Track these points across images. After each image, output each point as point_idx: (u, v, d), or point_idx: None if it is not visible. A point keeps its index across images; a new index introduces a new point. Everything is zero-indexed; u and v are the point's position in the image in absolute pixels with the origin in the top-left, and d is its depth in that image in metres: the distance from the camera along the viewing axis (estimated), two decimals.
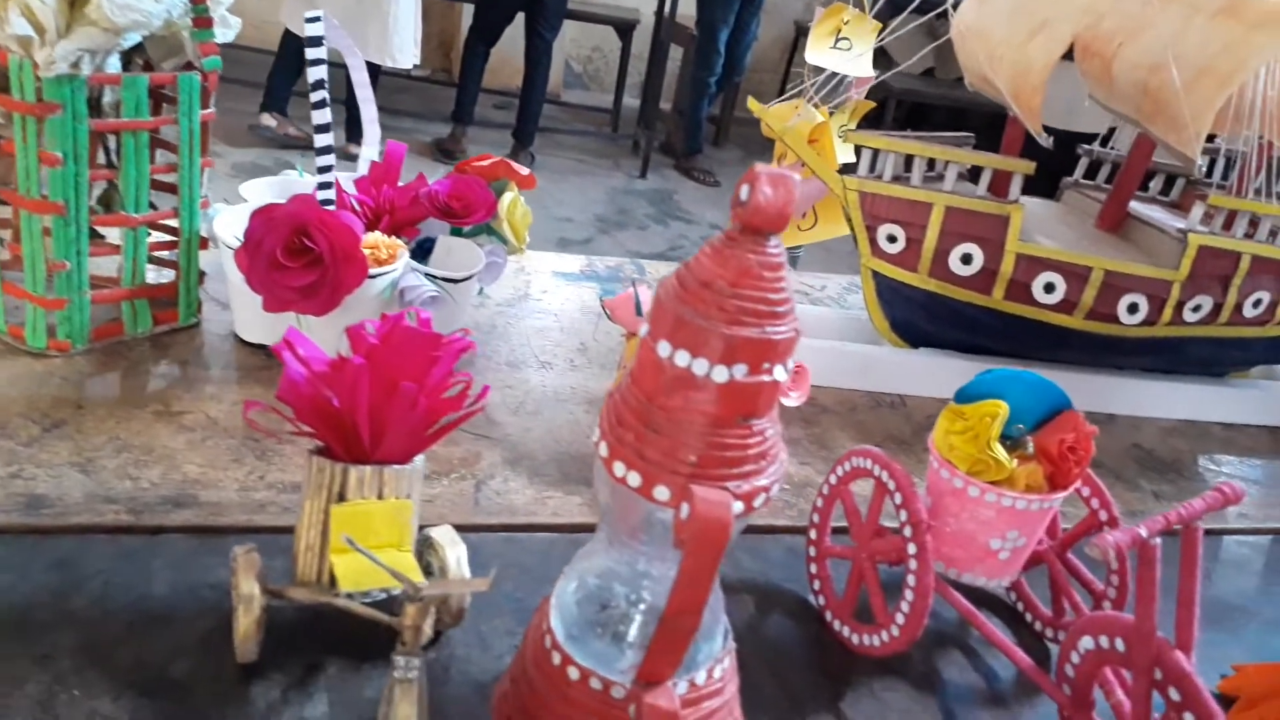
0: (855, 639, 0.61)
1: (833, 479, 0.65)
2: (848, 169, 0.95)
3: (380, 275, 0.75)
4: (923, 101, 4.68)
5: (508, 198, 0.83)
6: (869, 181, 0.89)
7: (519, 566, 0.64)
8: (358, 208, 0.82)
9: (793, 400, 0.72)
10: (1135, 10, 0.87)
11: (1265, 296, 0.91)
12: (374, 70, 3.52)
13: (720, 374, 0.40)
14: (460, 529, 0.66)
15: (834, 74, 1.22)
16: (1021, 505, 0.56)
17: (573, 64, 5.51)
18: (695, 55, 4.32)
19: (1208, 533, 0.83)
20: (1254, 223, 0.91)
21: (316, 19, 0.75)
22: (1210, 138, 0.93)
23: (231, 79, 4.11)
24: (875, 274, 0.93)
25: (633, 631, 0.46)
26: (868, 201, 0.89)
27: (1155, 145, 0.92)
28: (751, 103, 0.89)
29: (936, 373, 0.92)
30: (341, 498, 0.51)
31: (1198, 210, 0.88)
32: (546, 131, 4.65)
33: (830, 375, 0.94)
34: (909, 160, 0.89)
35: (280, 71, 3.42)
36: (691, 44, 4.40)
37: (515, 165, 0.86)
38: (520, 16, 4.00)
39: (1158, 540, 0.45)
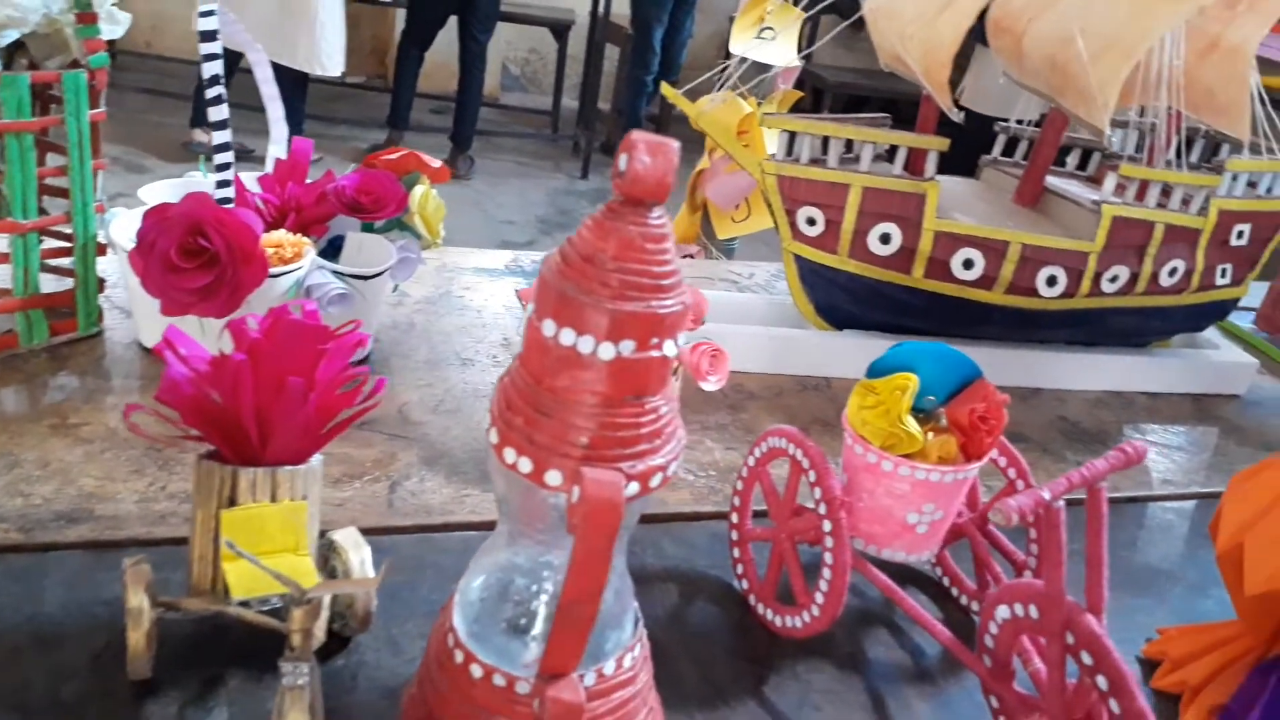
0: (778, 621, 0.60)
1: (751, 461, 0.64)
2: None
3: (284, 274, 0.73)
4: (857, 94, 4.73)
5: (419, 191, 0.81)
6: (786, 165, 0.89)
7: (435, 567, 0.62)
8: (262, 206, 0.79)
9: (712, 384, 0.71)
10: None
11: (1180, 265, 0.92)
12: (303, 78, 3.47)
13: (607, 351, 0.38)
14: (373, 532, 0.64)
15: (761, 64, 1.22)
16: (935, 477, 0.56)
17: (510, 66, 5.48)
18: (631, 54, 4.32)
19: (1132, 500, 0.84)
20: (1166, 192, 0.92)
21: (210, 12, 0.73)
22: (1140, 112, 0.94)
23: (165, 93, 4.05)
24: (797, 258, 0.92)
25: (536, 624, 0.45)
26: (786, 185, 0.89)
27: (1068, 120, 0.93)
28: (666, 89, 0.88)
29: (861, 354, 0.91)
30: (233, 502, 0.49)
31: (1110, 181, 0.89)
32: (485, 134, 4.61)
33: (756, 360, 0.93)
34: (826, 142, 0.89)
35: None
36: (627, 43, 4.40)
37: (426, 158, 0.84)
38: (453, 20, 3.97)
39: (1061, 503, 0.44)
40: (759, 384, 0.92)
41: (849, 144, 0.90)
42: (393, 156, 0.83)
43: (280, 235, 0.76)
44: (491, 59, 5.23)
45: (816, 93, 4.76)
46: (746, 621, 0.62)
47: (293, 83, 3.47)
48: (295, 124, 3.77)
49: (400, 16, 4.48)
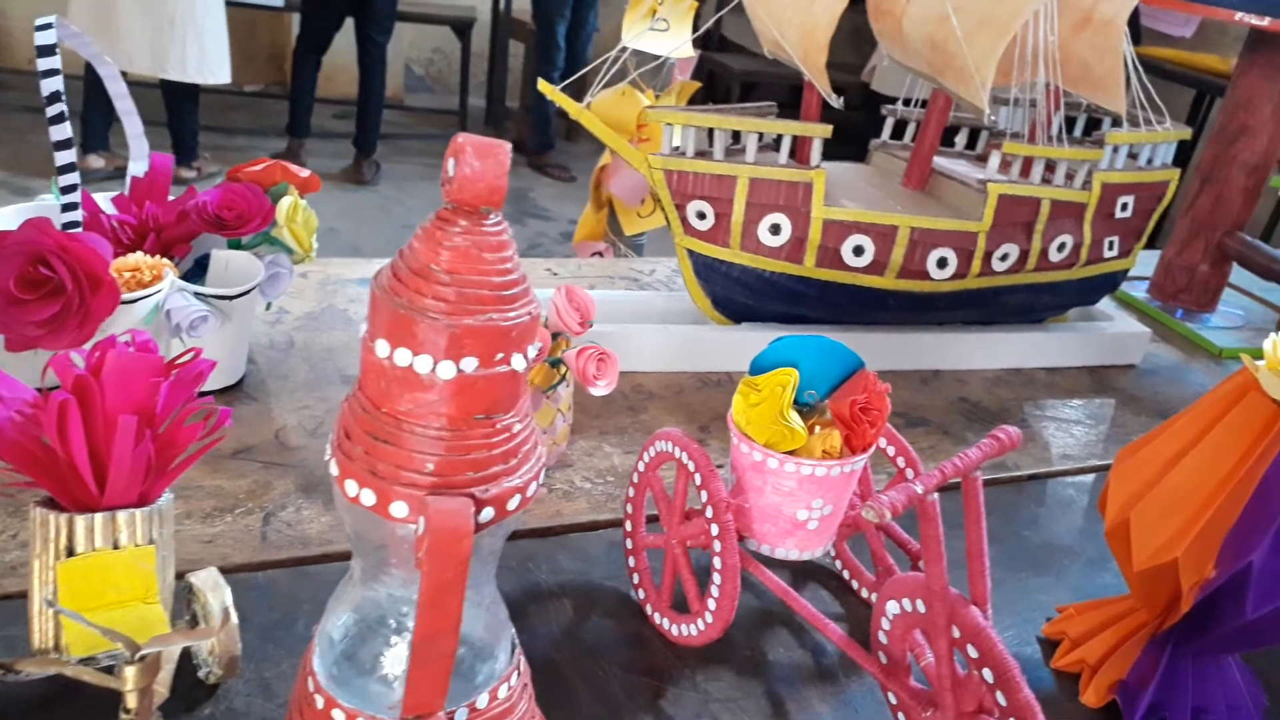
0: (675, 630, 0.58)
1: (640, 466, 0.62)
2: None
3: (141, 299, 0.68)
4: (760, 81, 4.75)
5: (286, 203, 0.77)
6: (673, 159, 0.87)
7: (312, 601, 0.58)
8: (116, 228, 0.75)
9: (601, 389, 0.69)
10: None
11: (1069, 240, 0.93)
12: (194, 90, 3.36)
13: (446, 370, 0.36)
14: (245, 568, 0.60)
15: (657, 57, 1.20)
16: (821, 472, 0.54)
17: (414, 67, 5.39)
18: (536, 50, 4.27)
19: (1032, 477, 0.84)
20: (1051, 168, 0.92)
21: (47, 26, 0.68)
22: (1023, 89, 0.94)
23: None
24: (690, 253, 0.90)
25: (399, 664, 0.42)
26: (673, 179, 0.87)
27: (951, 100, 0.93)
28: (543, 85, 0.86)
29: (759, 347, 0.90)
30: (71, 552, 0.46)
31: (994, 159, 0.89)
32: (391, 138, 4.52)
33: (656, 359, 0.92)
34: (712, 134, 0.87)
35: (92, 105, 3.21)
36: (531, 39, 4.35)
37: (293, 167, 0.80)
38: (350, 23, 3.87)
39: (935, 496, 0.43)
40: (659, 383, 0.90)
41: (736, 135, 0.89)
42: (257, 168, 0.79)
43: (137, 258, 0.71)
44: (394, 60, 5.13)
45: (719, 82, 4.78)
46: (644, 633, 0.60)
47: (185, 96, 3.35)
48: (190, 135, 3.65)
49: (297, 22, 4.36)
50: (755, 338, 0.92)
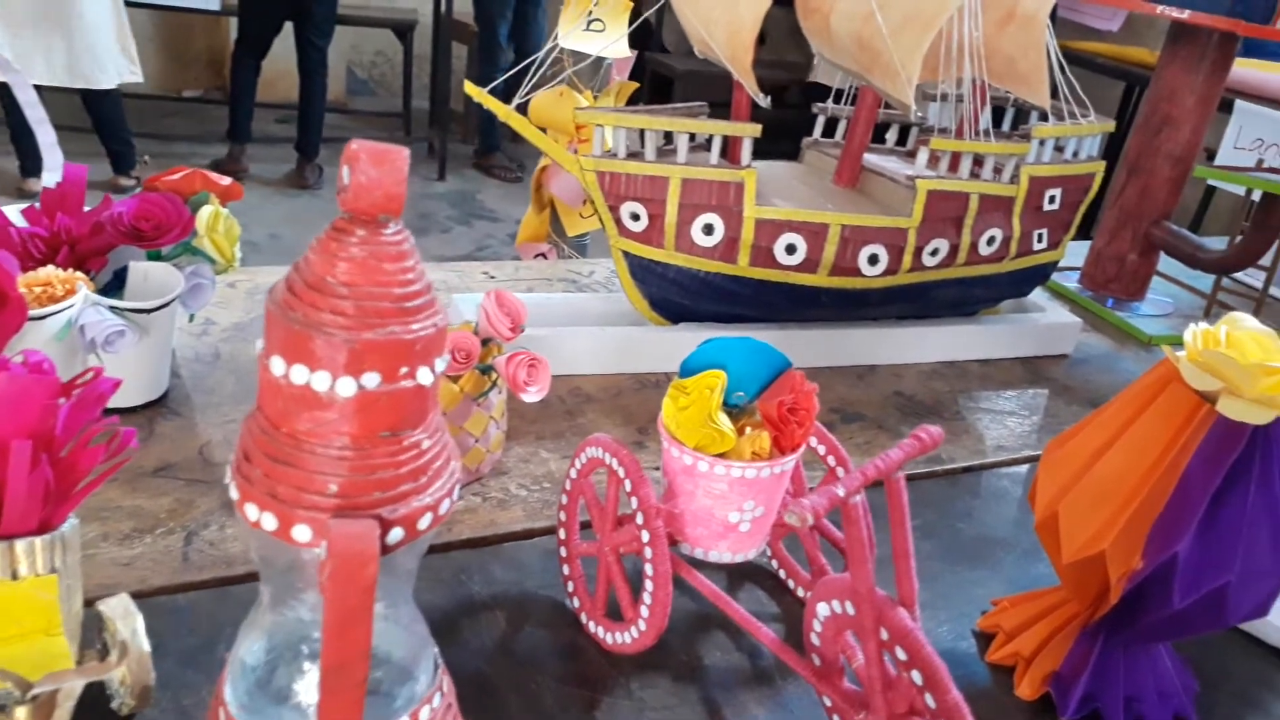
0: (609, 639, 0.58)
1: (573, 473, 0.61)
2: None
3: (51, 314, 0.66)
4: (702, 82, 4.75)
5: (206, 211, 0.75)
6: (605, 160, 0.86)
7: (235, 624, 0.56)
8: (26, 241, 0.72)
9: (532, 395, 0.68)
10: None
11: (998, 233, 0.94)
12: (119, 97, 3.28)
13: (346, 387, 0.35)
14: (165, 591, 0.59)
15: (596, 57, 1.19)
16: (751, 474, 0.54)
17: (356, 70, 5.32)
18: (479, 52, 4.24)
19: (967, 469, 0.85)
20: (979, 162, 0.93)
21: None
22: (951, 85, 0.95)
23: None
24: (626, 254, 0.90)
25: (313, 692, 0.41)
26: (606, 181, 0.86)
27: (880, 97, 0.93)
28: (469, 87, 0.84)
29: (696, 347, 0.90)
30: None
31: (922, 155, 0.90)
32: (334, 142, 4.46)
33: (594, 361, 0.91)
34: (643, 135, 0.86)
35: (21, 126, 3.12)
36: (474, 40, 4.32)
37: (213, 176, 0.78)
38: (289, 26, 3.81)
39: (857, 498, 0.43)
40: (597, 386, 0.89)
41: (669, 135, 0.88)
42: (174, 177, 0.76)
43: (49, 272, 0.69)
44: (335, 63, 5.07)
45: (665, 81, 4.78)
46: (579, 642, 0.59)
47: (100, 104, 3.26)
48: (121, 143, 3.55)
49: (235, 26, 4.28)
50: (692, 338, 0.91)
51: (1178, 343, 0.61)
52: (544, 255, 1.50)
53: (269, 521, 0.36)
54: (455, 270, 1.10)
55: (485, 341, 0.71)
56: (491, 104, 0.84)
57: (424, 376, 0.36)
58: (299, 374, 0.34)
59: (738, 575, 0.67)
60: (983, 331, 1.02)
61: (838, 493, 0.42)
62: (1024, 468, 0.86)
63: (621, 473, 0.56)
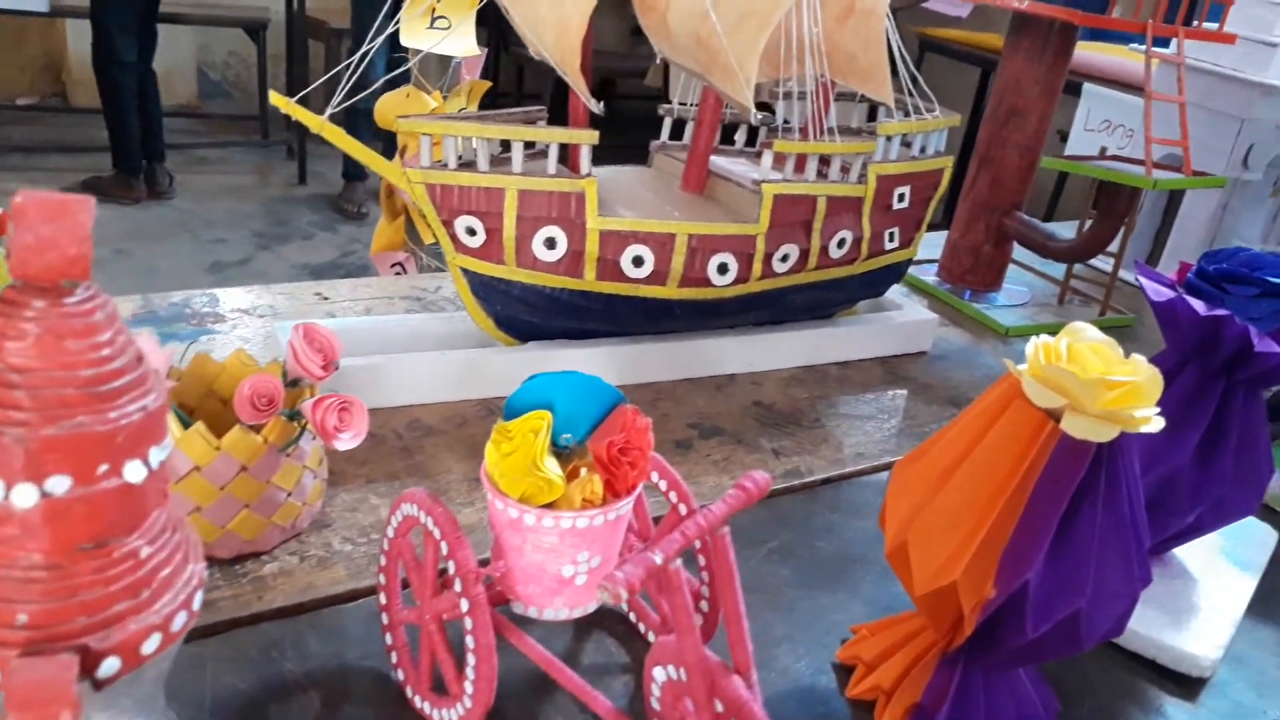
0: (435, 716, 0.52)
1: (390, 532, 0.55)
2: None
3: None
4: (609, 77, 4.69)
5: None
6: (434, 172, 0.80)
7: None
8: None
9: (347, 442, 0.61)
10: None
11: (848, 235, 0.92)
12: None
13: (25, 496, 0.28)
14: None
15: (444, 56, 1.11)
16: (583, 523, 0.49)
17: (208, 72, 5.06)
18: (355, 52, 4.06)
19: (825, 481, 0.82)
20: (826, 163, 0.90)
21: None
22: (795, 83, 0.91)
23: None
24: (465, 271, 0.84)
25: None
26: (437, 194, 0.80)
27: (723, 98, 0.90)
28: (274, 96, 0.77)
29: (548, 366, 0.85)
30: None
31: (766, 158, 0.86)
32: (187, 148, 4.25)
33: (435, 389, 0.85)
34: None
35: None
36: (337, 40, 4.16)
37: None
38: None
39: (677, 564, 0.38)
40: (439, 415, 0.83)
41: (505, 142, 0.82)
42: None
43: None
44: (185, 64, 4.82)
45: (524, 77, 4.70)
46: (404, 719, 0.53)
47: None
48: None
49: (71, 29, 4.03)
50: (543, 356, 0.87)
51: (1034, 333, 0.59)
52: (401, 265, 1.42)
53: None
54: (284, 293, 1.01)
55: (294, 382, 0.64)
56: (299, 114, 0.77)
57: (133, 473, 0.30)
58: None
59: (585, 622, 0.62)
60: (840, 334, 1.00)
61: (654, 560, 0.37)
62: (883, 475, 0.84)
63: (437, 534, 0.50)
